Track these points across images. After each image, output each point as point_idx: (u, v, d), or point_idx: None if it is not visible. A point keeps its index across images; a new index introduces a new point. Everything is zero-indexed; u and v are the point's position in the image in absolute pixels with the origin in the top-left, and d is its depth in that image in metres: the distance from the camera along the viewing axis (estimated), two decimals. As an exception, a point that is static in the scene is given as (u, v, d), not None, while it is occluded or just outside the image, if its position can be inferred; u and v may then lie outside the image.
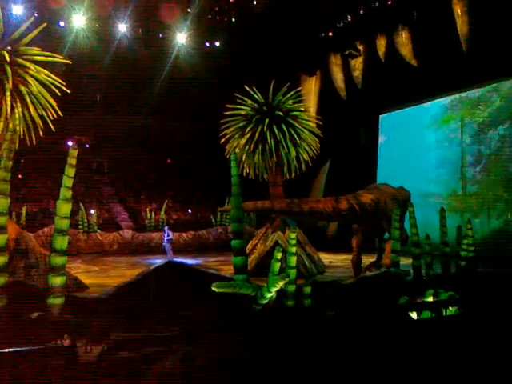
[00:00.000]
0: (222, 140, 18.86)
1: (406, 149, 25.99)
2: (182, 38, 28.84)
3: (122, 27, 27.76)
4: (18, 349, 8.24)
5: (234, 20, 28.19)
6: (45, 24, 14.11)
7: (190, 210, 29.58)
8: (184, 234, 26.23)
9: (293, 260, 8.29)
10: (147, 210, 27.25)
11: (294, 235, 8.39)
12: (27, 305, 9.92)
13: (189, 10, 27.17)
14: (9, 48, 13.47)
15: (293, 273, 8.20)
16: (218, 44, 30.38)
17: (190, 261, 19.86)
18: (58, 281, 8.38)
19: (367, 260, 16.08)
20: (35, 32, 13.90)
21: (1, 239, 7.88)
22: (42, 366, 6.68)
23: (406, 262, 11.57)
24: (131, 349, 6.77)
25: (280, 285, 7.35)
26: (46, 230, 21.88)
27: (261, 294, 7.48)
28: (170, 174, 29.66)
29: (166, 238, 20.48)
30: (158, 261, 19.32)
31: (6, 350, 8.29)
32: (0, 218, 7.69)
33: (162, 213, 27.24)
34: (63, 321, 9.13)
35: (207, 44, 30.46)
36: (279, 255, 7.77)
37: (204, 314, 7.36)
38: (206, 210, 28.41)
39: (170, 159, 30.62)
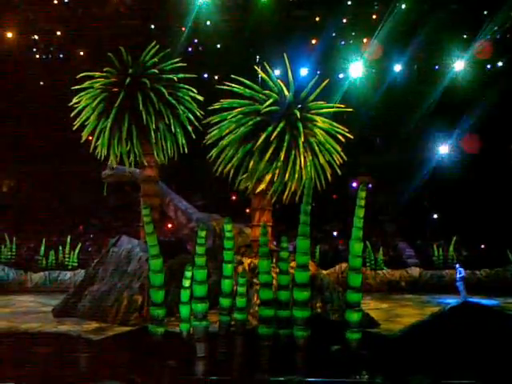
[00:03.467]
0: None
1: None
2: (459, 64, 27.79)
3: (397, 67, 28.35)
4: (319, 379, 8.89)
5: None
6: (327, 80, 15.52)
7: (482, 245, 27.26)
8: (477, 272, 24.26)
9: None
10: (434, 246, 26.27)
11: None
12: (325, 337, 10.68)
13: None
14: (299, 106, 15.27)
15: None
16: (500, 64, 28.18)
17: (486, 301, 18.18)
18: (354, 316, 8.78)
19: None
20: (319, 88, 15.41)
21: (304, 276, 8.78)
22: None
23: None
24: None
25: None
26: (337, 267, 23.26)
27: None
28: (455, 207, 28.15)
29: (458, 276, 19.31)
30: (450, 300, 18.31)
31: (311, 380, 9.03)
32: (303, 258, 8.63)
33: (451, 249, 25.86)
34: (360, 356, 9.47)
35: (488, 66, 28.58)
36: None
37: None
38: (502, 245, 25.71)
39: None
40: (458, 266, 19.85)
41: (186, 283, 10.19)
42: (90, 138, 17.41)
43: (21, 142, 32.55)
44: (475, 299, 17.38)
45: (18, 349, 11.39)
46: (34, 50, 34.75)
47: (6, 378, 6.78)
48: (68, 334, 13.32)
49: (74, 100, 16.86)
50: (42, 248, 25.43)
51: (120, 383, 5.99)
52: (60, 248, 25.37)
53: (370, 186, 30.63)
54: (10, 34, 31.82)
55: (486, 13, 30.32)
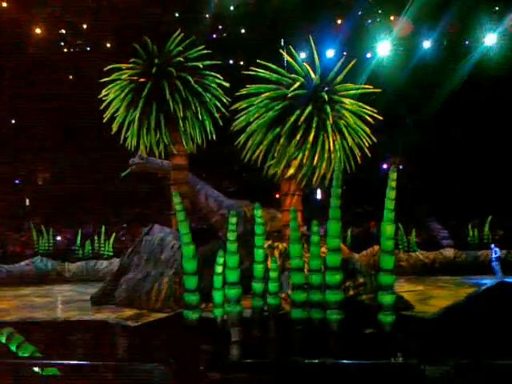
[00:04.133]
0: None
1: None
2: (491, 38, 26.98)
3: (426, 44, 27.69)
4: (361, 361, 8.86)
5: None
6: (354, 61, 15.29)
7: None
8: (514, 251, 23.67)
9: None
10: (469, 226, 25.74)
11: None
12: (359, 320, 10.67)
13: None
14: (326, 89, 15.09)
15: None
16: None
17: (524, 281, 17.78)
18: (387, 299, 8.73)
19: None
20: (346, 70, 15.19)
21: (336, 259, 8.77)
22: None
23: None
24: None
25: None
26: (369, 250, 23.06)
27: None
28: (491, 186, 27.50)
29: (493, 256, 18.94)
30: (486, 281, 17.98)
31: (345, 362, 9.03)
32: (335, 241, 8.61)
33: (486, 229, 25.29)
34: (395, 338, 9.42)
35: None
36: None
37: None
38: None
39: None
40: (493, 246, 19.47)
41: (219, 269, 10.31)
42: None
43: (53, 135, 33.28)
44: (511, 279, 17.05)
45: (60, 336, 11.77)
46: (62, 43, 35.28)
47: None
48: (106, 321, 13.68)
49: (103, 92, 17.09)
50: (78, 238, 26.07)
51: (159, 365, 6.15)
52: (96, 238, 25.98)
53: (401, 167, 30.16)
54: (38, 30, 32.39)
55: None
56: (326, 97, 14.66)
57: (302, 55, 17.68)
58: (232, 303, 10.18)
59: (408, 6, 25.96)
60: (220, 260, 10.25)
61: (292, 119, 14.57)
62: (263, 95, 15.32)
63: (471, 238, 25.41)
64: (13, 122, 35.75)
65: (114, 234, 26.39)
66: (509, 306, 8.51)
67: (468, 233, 25.62)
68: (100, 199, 30.98)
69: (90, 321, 14.03)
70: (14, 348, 6.90)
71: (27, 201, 33.60)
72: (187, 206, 16.80)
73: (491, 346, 7.97)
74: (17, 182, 35.47)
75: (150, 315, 14.35)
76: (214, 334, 10.39)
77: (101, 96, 17.13)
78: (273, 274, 10.29)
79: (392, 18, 31.03)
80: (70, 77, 35.37)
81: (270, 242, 15.00)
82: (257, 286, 10.37)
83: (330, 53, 25.80)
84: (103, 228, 26.04)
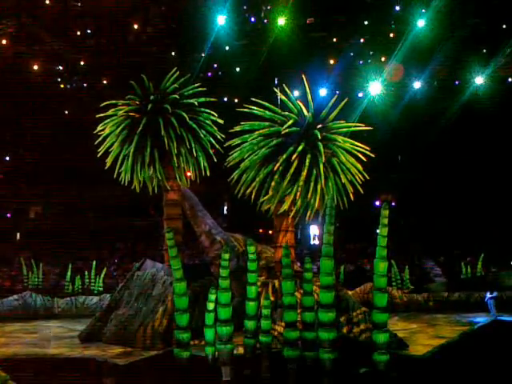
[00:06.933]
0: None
1: None
2: (479, 79, 27.81)
3: (417, 84, 28.36)
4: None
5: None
6: (346, 99, 15.58)
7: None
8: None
9: None
10: (462, 263, 25.73)
11: None
12: (353, 359, 10.51)
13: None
14: (319, 126, 15.32)
15: None
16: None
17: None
18: (381, 337, 8.66)
19: None
20: (339, 108, 15.45)
21: (329, 297, 8.73)
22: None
23: None
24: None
25: None
26: (362, 287, 22.91)
27: None
28: (485, 222, 27.66)
29: (488, 294, 18.85)
30: (480, 319, 17.83)
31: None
32: (328, 278, 8.59)
33: (479, 266, 25.26)
34: (389, 378, 9.29)
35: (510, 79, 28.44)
36: None
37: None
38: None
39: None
40: (488, 294, 19.25)
41: (211, 306, 10.21)
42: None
43: (47, 169, 33.32)
44: (506, 317, 16.92)
45: (47, 375, 11.48)
46: (59, 79, 35.73)
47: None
48: (95, 358, 13.38)
49: (99, 128, 17.23)
50: (69, 273, 25.74)
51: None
52: (86, 273, 25.65)
53: (393, 204, 30.33)
54: (35, 66, 32.87)
55: (504, 27, 30.22)
56: (318, 134, 14.86)
57: (296, 93, 17.99)
58: (223, 341, 10.04)
59: (398, 48, 26.71)
60: (212, 297, 10.17)
61: (285, 156, 14.71)
62: (257, 132, 15.52)
63: (464, 275, 25.33)
64: (7, 158, 35.84)
65: (105, 269, 26.10)
66: (502, 344, 8.45)
67: (461, 270, 25.58)
68: (93, 233, 30.77)
69: (77, 358, 13.71)
70: (-2, 387, 6.72)
71: (18, 235, 33.29)
72: (179, 241, 16.74)
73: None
74: (8, 215, 35.25)
75: (139, 353, 14.05)
76: (205, 372, 10.19)
77: (96, 131, 17.26)
78: (265, 312, 10.20)
79: (383, 59, 31.85)
80: (66, 112, 35.67)
81: (262, 279, 14.90)
82: (249, 324, 10.26)
83: (323, 92, 26.36)
84: (94, 263, 25.75)
